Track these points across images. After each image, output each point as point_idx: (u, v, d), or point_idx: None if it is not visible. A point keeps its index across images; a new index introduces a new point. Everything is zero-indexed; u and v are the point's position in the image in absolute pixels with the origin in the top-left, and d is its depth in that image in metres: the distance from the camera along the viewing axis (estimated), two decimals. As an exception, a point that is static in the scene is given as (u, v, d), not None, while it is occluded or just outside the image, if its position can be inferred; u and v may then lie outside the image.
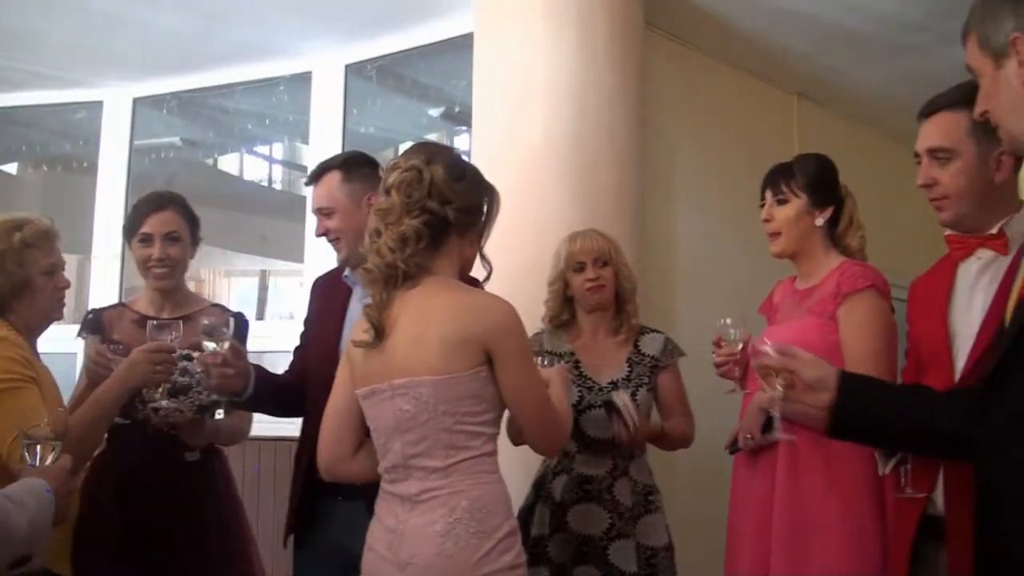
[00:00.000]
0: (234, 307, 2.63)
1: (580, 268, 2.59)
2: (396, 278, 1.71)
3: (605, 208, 3.36)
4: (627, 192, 3.51)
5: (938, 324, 1.82)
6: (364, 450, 1.81)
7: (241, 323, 2.39)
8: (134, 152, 4.88)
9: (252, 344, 2.44)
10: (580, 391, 2.54)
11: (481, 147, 3.53)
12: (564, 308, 2.66)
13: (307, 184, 2.35)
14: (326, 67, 4.39)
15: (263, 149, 8.80)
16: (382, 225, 1.72)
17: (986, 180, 1.76)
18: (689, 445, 2.65)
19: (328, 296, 2.36)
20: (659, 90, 3.88)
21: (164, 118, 4.90)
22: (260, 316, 8.60)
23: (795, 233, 2.26)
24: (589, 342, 2.65)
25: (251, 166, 9.32)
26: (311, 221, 2.76)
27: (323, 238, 2.30)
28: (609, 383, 2.56)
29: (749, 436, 2.16)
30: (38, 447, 1.69)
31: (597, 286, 2.57)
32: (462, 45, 3.79)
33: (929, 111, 1.82)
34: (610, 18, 3.50)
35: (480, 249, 1.85)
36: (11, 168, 6.58)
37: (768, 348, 1.53)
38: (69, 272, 2.32)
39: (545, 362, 2.13)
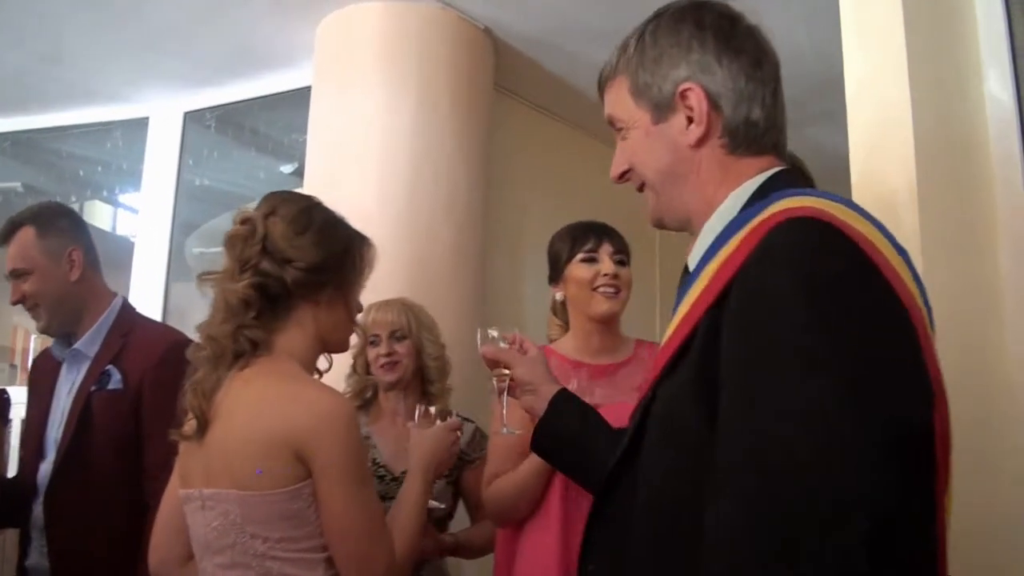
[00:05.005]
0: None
1: (374, 342, 2.34)
2: (225, 356, 1.41)
3: (443, 268, 3.24)
4: (468, 252, 3.38)
5: None
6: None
7: (3, 402, 2.19)
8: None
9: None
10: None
11: (313, 204, 3.32)
12: (368, 385, 2.39)
13: None
14: (164, 113, 4.16)
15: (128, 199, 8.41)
16: (215, 291, 1.45)
17: None
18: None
19: (38, 376, 2.09)
20: (509, 151, 3.81)
21: (3, 162, 4.56)
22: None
23: (625, 299, 2.05)
24: (387, 425, 2.32)
25: (123, 217, 8.83)
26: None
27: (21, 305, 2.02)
28: (403, 473, 2.15)
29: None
30: None
31: (390, 362, 2.31)
32: (305, 98, 3.61)
33: None
34: (454, 78, 3.40)
35: (352, 314, 1.57)
36: None
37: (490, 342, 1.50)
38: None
39: (432, 413, 1.86)
